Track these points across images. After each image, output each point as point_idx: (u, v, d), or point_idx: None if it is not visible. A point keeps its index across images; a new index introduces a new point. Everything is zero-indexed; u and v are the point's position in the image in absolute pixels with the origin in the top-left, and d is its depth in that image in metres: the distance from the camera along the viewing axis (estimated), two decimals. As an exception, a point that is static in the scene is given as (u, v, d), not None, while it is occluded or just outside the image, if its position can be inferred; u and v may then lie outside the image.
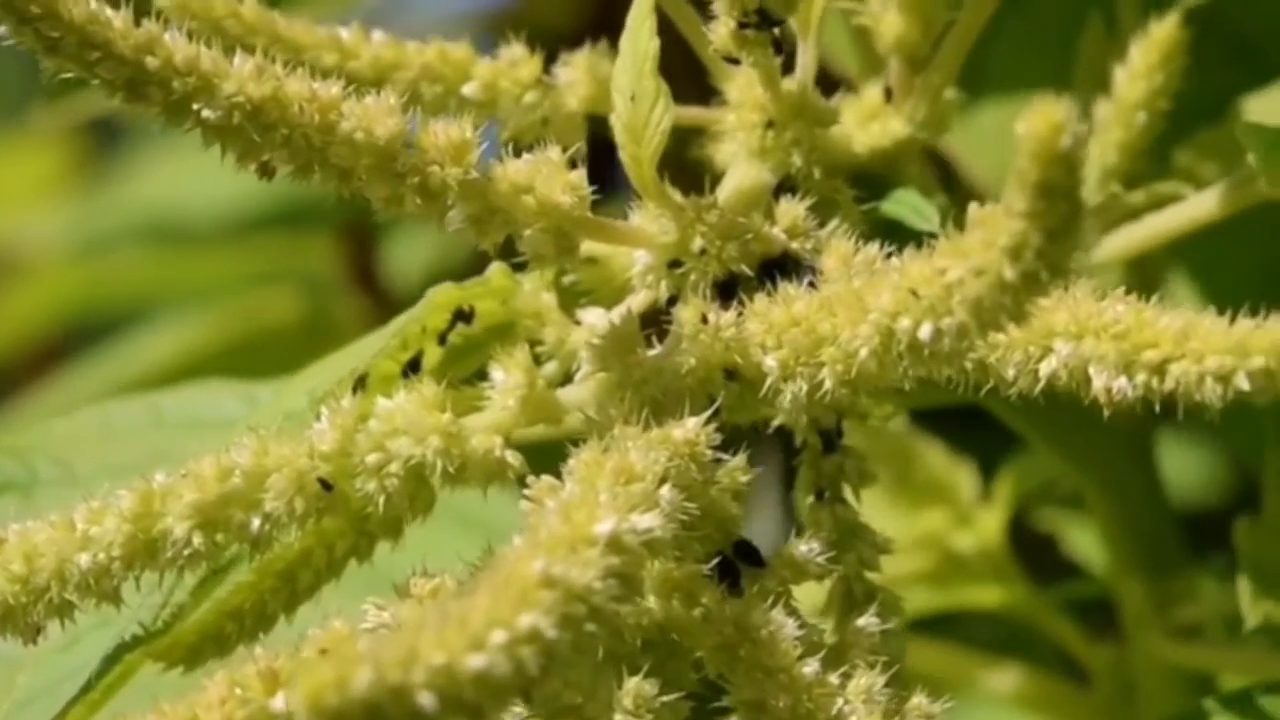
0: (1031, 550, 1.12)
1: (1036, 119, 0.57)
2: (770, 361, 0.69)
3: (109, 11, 0.66)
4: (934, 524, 1.07)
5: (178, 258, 1.63)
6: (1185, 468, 1.37)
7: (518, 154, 0.71)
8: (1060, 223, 0.59)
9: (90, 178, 1.76)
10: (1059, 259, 0.60)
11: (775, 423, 0.75)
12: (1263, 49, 1.12)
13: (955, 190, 0.95)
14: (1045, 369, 0.67)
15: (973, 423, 0.96)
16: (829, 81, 0.83)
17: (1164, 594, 0.99)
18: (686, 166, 0.78)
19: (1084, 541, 1.12)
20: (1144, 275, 0.97)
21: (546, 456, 0.71)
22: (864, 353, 0.66)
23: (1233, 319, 0.64)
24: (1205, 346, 0.64)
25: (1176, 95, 0.90)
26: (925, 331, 0.64)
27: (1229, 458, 1.35)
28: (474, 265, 0.78)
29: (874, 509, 1.05)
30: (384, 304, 1.52)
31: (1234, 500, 1.21)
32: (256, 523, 0.69)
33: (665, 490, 0.66)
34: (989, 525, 1.07)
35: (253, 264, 1.63)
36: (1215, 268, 1.04)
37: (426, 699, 0.55)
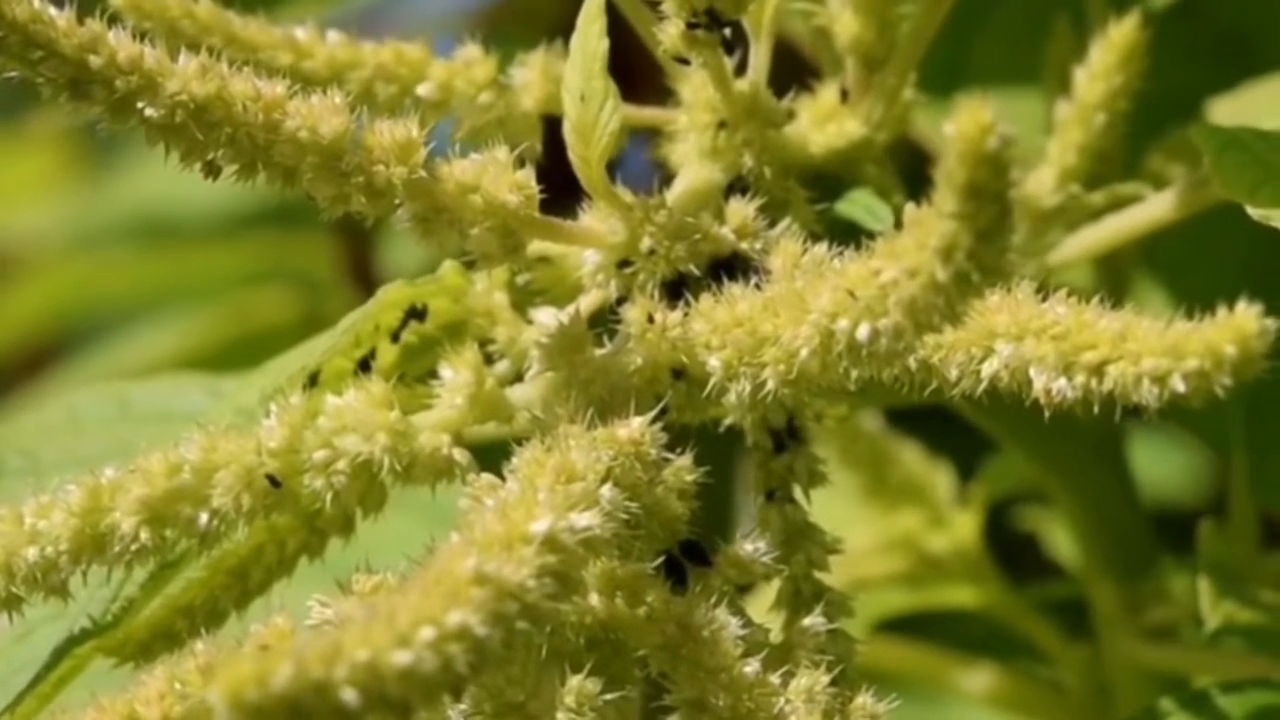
0: (1014, 550, 1.12)
1: (964, 120, 0.57)
2: (714, 361, 0.69)
3: (52, 10, 0.66)
4: (910, 525, 1.07)
5: (173, 256, 1.64)
6: (1164, 468, 1.37)
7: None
8: (990, 224, 0.59)
9: (85, 176, 1.76)
10: (990, 260, 0.60)
11: (725, 422, 0.75)
12: (1249, 43, 1.12)
13: (931, 186, 0.95)
14: (987, 370, 0.67)
15: (950, 424, 0.96)
16: (806, 67, 0.83)
17: (1135, 595, 0.99)
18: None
19: (1061, 541, 1.12)
20: (1112, 274, 0.97)
21: (506, 455, 0.72)
22: (805, 353, 0.66)
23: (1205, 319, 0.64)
24: (1142, 348, 0.64)
25: (1158, 93, 0.90)
26: (863, 332, 0.64)
27: (1208, 457, 1.35)
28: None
29: (849, 510, 1.06)
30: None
31: (1215, 499, 1.21)
32: (205, 518, 0.69)
33: (606, 489, 0.66)
34: (964, 526, 1.07)
35: (248, 262, 1.64)
36: (1189, 267, 1.04)
37: (349, 695, 0.55)
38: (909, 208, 0.62)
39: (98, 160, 1.75)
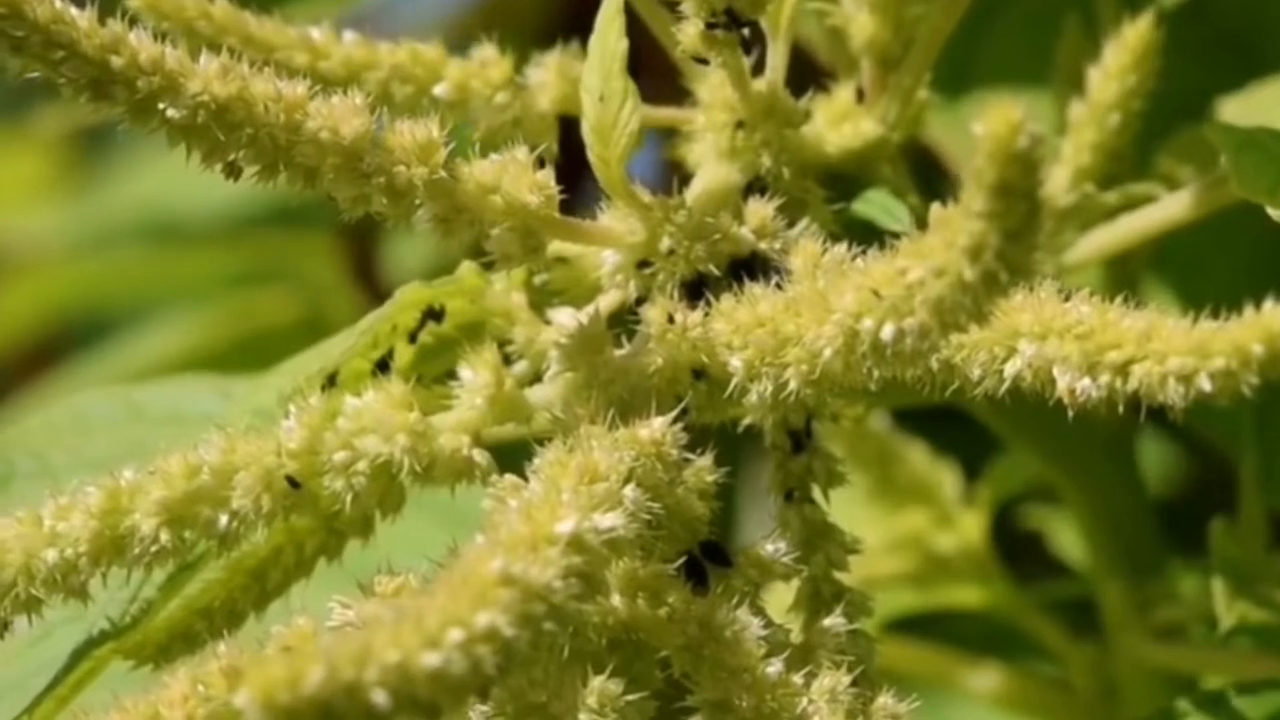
0: (1021, 549, 1.12)
1: (994, 119, 0.57)
2: (736, 362, 0.69)
3: (74, 11, 0.66)
4: (916, 524, 1.07)
5: (174, 257, 1.63)
6: (1165, 464, 1.37)
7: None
8: (1019, 223, 0.59)
9: (85, 176, 1.76)
10: (1018, 259, 0.60)
11: (744, 422, 0.75)
12: (1253, 43, 1.12)
13: (942, 187, 0.95)
14: (1010, 369, 0.67)
15: (957, 423, 0.96)
16: (816, 71, 0.83)
17: (1144, 594, 0.99)
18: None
19: (1069, 541, 1.12)
20: (1124, 275, 0.97)
21: (524, 455, 0.72)
22: (828, 353, 0.66)
23: (1217, 319, 0.64)
24: (1168, 347, 0.64)
25: (1166, 93, 0.90)
26: (888, 332, 0.64)
27: (1209, 455, 1.35)
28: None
29: (856, 510, 1.06)
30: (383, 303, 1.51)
31: (1216, 497, 1.21)
32: (224, 520, 0.69)
33: (629, 490, 0.66)
34: (971, 525, 1.07)
35: (249, 263, 1.64)
36: (1200, 268, 1.04)
37: (380, 697, 0.55)
38: (935, 207, 0.62)
39: (98, 160, 1.75)
